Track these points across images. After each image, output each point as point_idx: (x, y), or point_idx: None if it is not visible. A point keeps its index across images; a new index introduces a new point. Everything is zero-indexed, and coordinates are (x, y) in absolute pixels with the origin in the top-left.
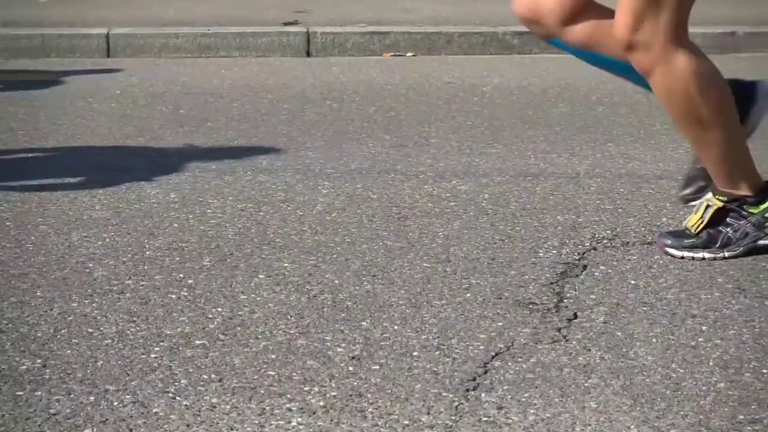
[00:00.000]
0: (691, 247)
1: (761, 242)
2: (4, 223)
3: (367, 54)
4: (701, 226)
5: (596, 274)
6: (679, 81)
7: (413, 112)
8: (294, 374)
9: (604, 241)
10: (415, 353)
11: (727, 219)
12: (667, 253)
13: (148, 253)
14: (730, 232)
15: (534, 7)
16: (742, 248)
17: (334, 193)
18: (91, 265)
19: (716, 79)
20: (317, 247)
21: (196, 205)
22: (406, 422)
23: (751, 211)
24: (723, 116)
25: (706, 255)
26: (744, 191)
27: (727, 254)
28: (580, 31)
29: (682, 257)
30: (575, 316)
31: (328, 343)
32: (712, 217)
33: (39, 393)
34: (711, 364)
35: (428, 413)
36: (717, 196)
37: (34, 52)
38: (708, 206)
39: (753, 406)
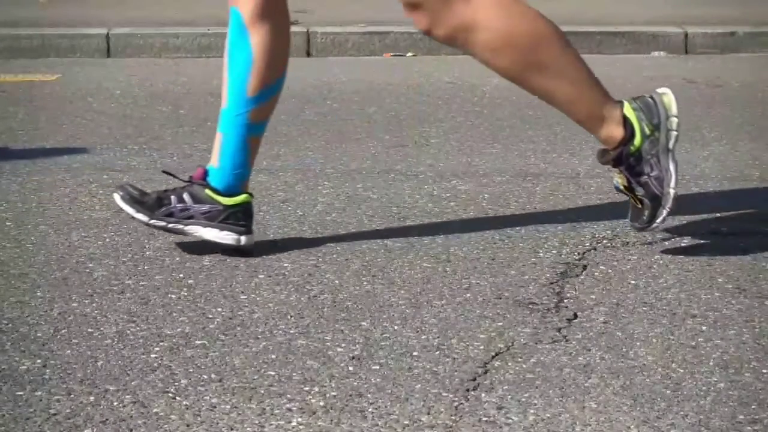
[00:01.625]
0: (646, 220)
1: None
2: (4, 223)
3: (367, 54)
4: (637, 199)
5: (596, 274)
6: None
7: (413, 112)
8: (294, 374)
9: (604, 241)
10: (415, 353)
11: (643, 166)
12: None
13: (148, 253)
14: (654, 174)
15: None
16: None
17: (334, 193)
18: (91, 265)
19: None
20: (317, 247)
21: None
22: (406, 422)
23: (635, 144)
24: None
25: (664, 213)
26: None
27: (671, 190)
28: None
29: (652, 228)
30: (575, 316)
31: (328, 343)
32: (628, 181)
33: (39, 393)
34: (711, 364)
35: (428, 413)
36: (612, 168)
37: (34, 52)
38: (619, 184)
39: (753, 406)
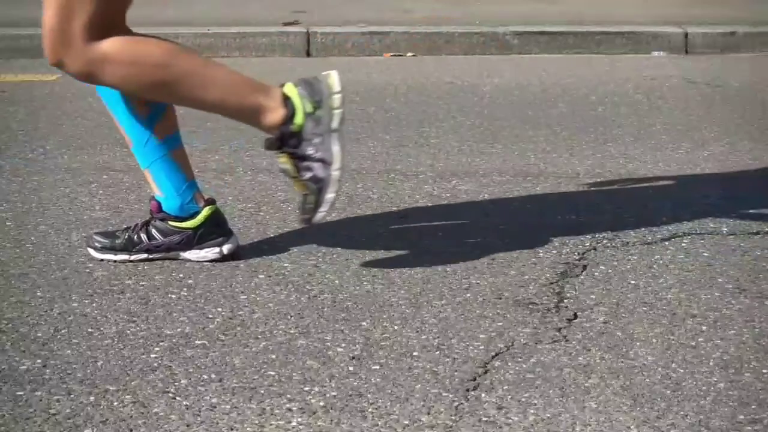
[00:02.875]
0: (312, 207)
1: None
2: (4, 223)
3: (367, 54)
4: (303, 184)
5: (596, 274)
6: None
7: (413, 112)
8: (294, 374)
9: (604, 241)
10: (415, 353)
11: (306, 147)
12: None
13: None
14: (318, 155)
15: None
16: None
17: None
18: (91, 265)
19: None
20: (317, 247)
21: None
22: (406, 422)
23: (296, 123)
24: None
25: (329, 198)
26: (277, 116)
27: (335, 173)
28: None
29: (317, 216)
30: (575, 316)
31: (328, 343)
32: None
33: (39, 393)
34: (711, 364)
35: (428, 413)
36: (277, 153)
37: (34, 52)
38: (288, 169)
39: (753, 406)
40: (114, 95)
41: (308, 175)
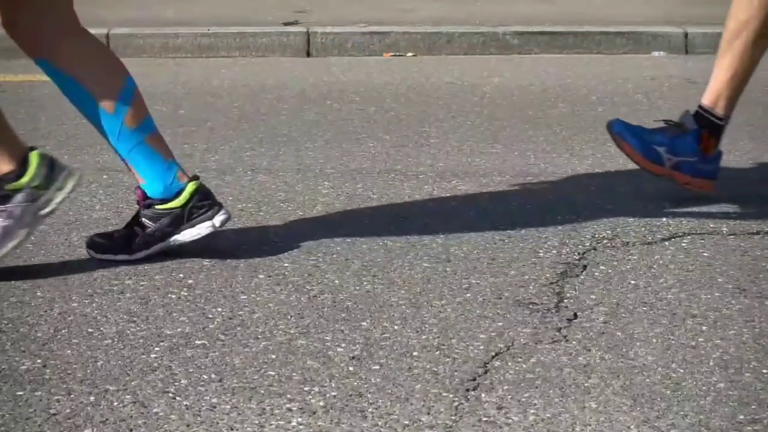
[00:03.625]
0: None
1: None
2: None
3: (367, 54)
4: None
5: (596, 274)
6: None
7: (413, 112)
8: (294, 374)
9: (604, 241)
10: (415, 353)
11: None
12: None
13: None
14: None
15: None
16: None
17: (334, 193)
18: (91, 265)
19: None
20: (317, 247)
21: None
22: (406, 422)
23: (13, 186)
24: None
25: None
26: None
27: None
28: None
29: None
30: (575, 316)
31: (328, 343)
32: None
33: (39, 393)
34: (711, 364)
35: (428, 413)
36: None
37: None
38: None
39: (753, 406)
40: (78, 95)
41: None
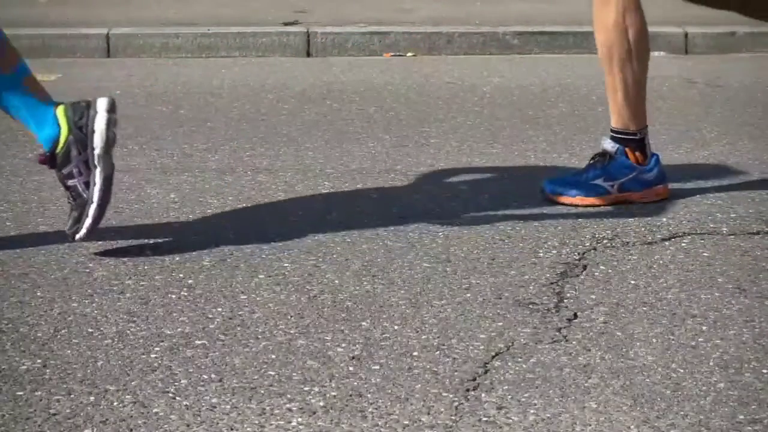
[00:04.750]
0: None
1: None
2: (4, 223)
3: (367, 54)
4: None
5: (596, 274)
6: None
7: (413, 112)
8: (294, 374)
9: (604, 241)
10: (415, 353)
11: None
12: None
13: (148, 253)
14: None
15: None
16: None
17: (334, 193)
18: (91, 265)
19: None
20: (317, 247)
21: (196, 205)
22: (406, 422)
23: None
24: None
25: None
26: None
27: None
28: None
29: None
30: (575, 316)
31: (328, 343)
32: None
33: (39, 393)
34: (711, 364)
35: (428, 413)
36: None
37: (34, 52)
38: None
39: (753, 406)
40: None
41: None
